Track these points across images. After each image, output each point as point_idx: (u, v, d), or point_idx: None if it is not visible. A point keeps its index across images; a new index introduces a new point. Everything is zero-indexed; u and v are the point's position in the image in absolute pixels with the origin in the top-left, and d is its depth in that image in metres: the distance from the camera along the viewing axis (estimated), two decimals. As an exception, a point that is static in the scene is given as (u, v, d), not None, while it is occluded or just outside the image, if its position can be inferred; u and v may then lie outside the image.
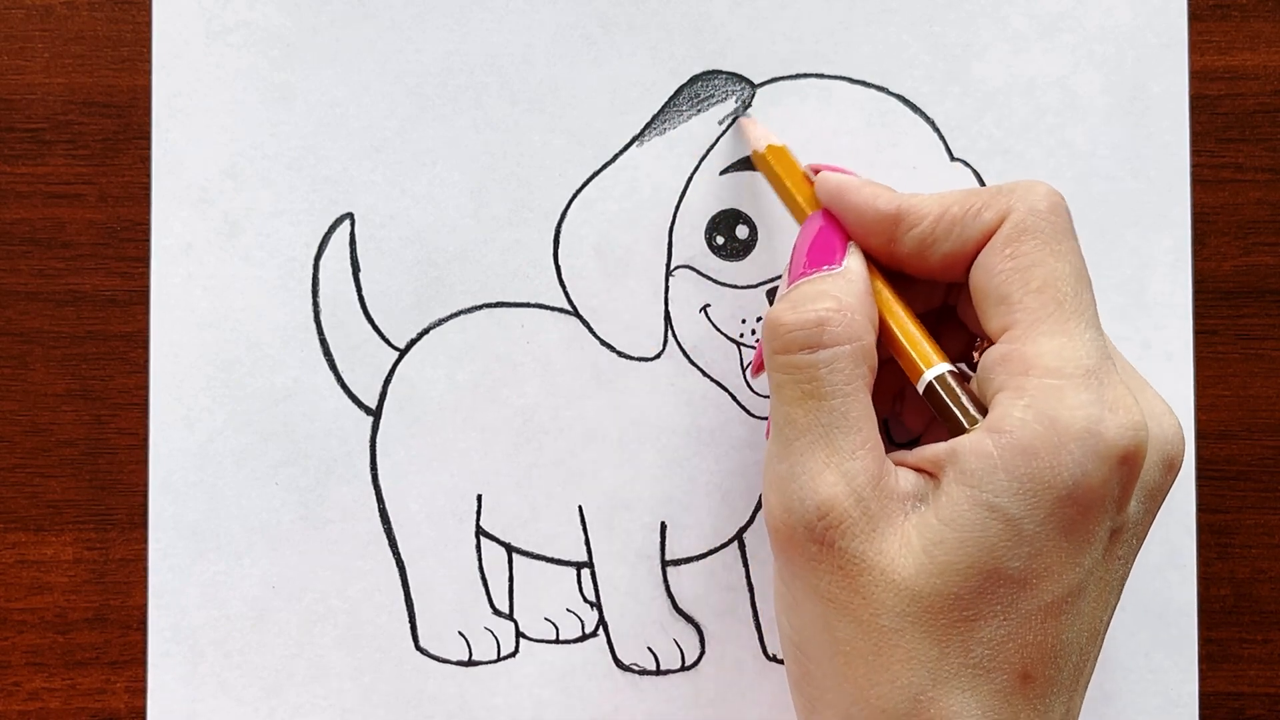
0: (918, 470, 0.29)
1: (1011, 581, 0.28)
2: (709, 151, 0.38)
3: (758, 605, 0.38)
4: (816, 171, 0.34)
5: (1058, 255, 0.29)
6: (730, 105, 0.38)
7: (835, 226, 0.32)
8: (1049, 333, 0.29)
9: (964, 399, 0.30)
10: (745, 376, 0.38)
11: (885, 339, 0.31)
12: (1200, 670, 0.38)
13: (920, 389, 0.31)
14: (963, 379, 0.30)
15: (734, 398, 0.38)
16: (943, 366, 0.30)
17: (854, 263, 0.32)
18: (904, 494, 0.29)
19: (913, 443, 0.35)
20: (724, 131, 0.38)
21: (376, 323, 0.38)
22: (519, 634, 0.38)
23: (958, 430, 0.29)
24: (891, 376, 0.33)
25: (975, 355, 0.34)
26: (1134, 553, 0.30)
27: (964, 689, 0.28)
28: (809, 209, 0.33)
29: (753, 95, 0.38)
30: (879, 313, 0.31)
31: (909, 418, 0.36)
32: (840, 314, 0.30)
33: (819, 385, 0.29)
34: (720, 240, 0.38)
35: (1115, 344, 0.38)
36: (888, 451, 0.30)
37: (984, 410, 0.29)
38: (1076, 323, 0.29)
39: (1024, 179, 0.31)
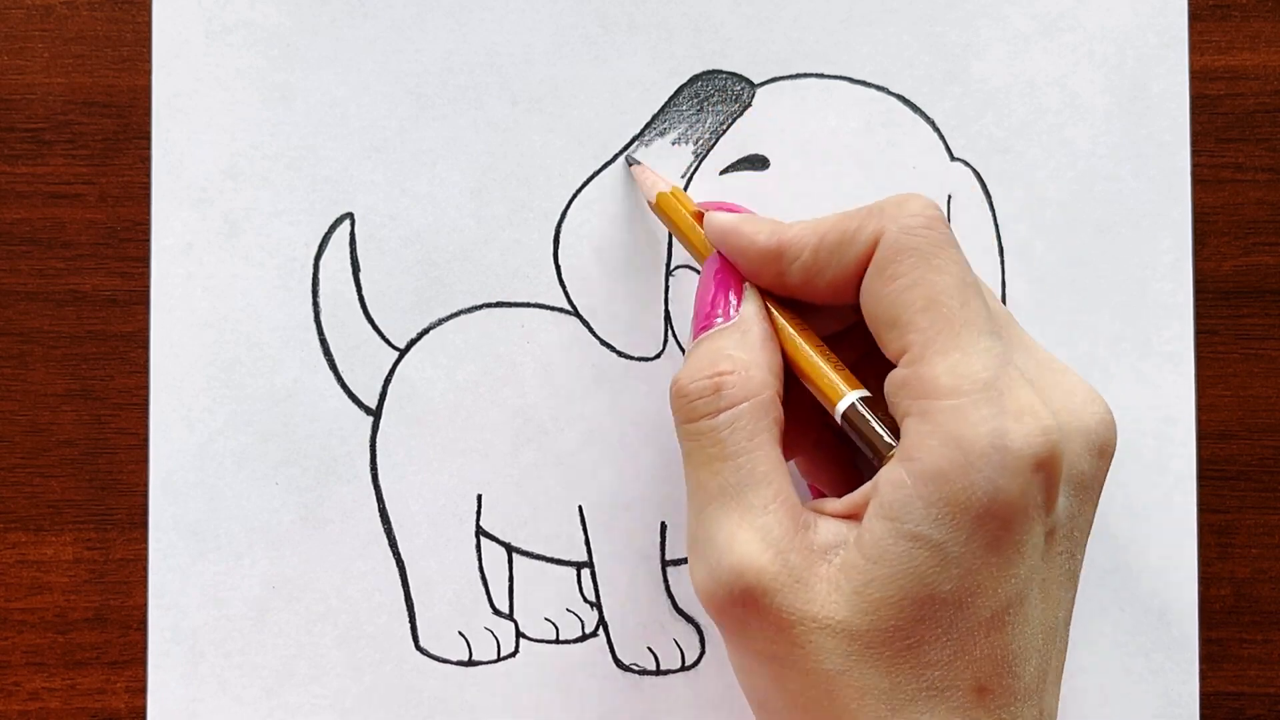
0: (845, 516, 0.29)
1: (946, 604, 0.28)
2: (709, 151, 0.38)
3: (758, 605, 0.38)
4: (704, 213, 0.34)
5: (937, 269, 0.29)
6: (730, 105, 0.38)
7: (729, 270, 0.33)
8: (942, 350, 0.28)
9: (876, 426, 0.30)
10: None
11: (797, 375, 0.31)
12: (1200, 670, 0.38)
13: (838, 420, 0.30)
14: (875, 404, 0.30)
15: (734, 398, 0.38)
16: (852, 396, 0.30)
17: (749, 309, 0.32)
18: (825, 545, 0.29)
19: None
20: (724, 131, 0.38)
21: (376, 323, 0.38)
22: (519, 634, 0.38)
23: (879, 455, 0.29)
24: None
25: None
26: (1079, 544, 0.30)
27: (923, 712, 0.28)
28: (705, 252, 0.34)
29: (753, 95, 0.38)
30: (785, 351, 0.31)
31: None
32: (735, 374, 0.30)
33: (723, 447, 0.30)
34: (720, 240, 0.38)
35: (1115, 344, 0.38)
36: (811, 502, 0.30)
37: (899, 435, 0.29)
38: (968, 335, 0.28)
39: (898, 193, 0.31)
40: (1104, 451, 0.30)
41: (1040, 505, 0.28)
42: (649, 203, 0.36)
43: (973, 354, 0.28)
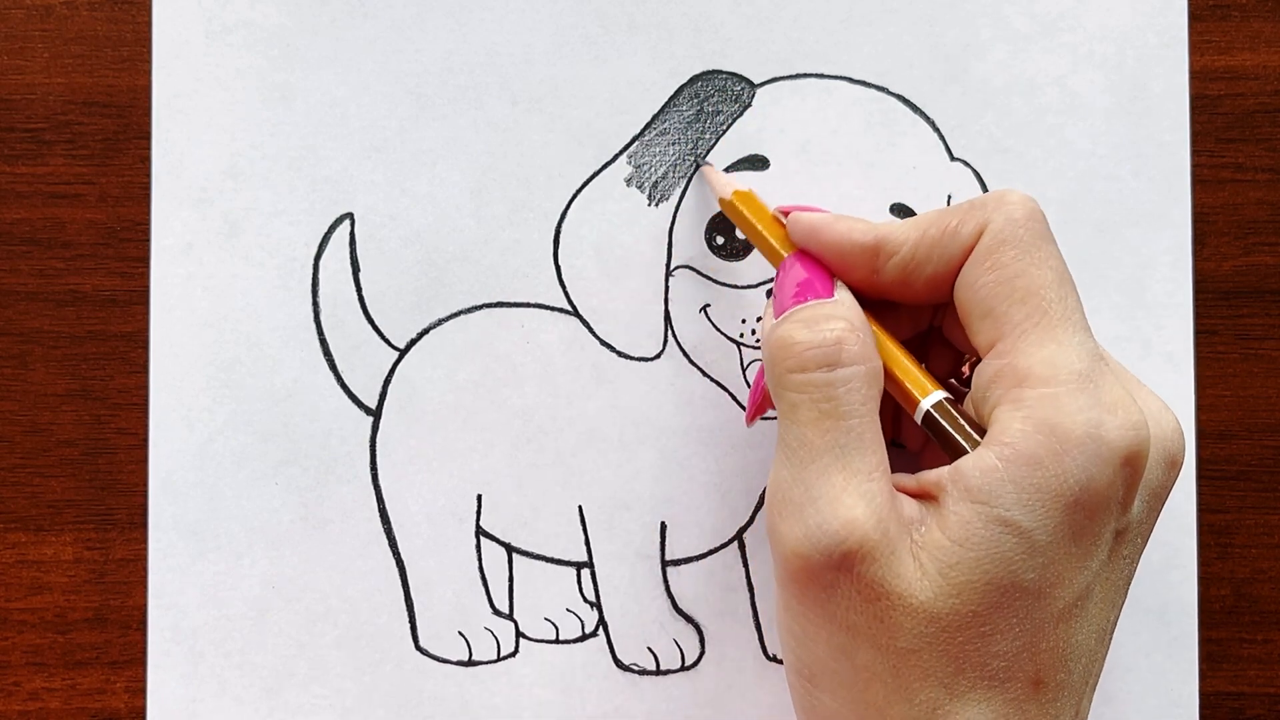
0: (917, 495, 0.29)
1: (1027, 593, 0.28)
2: (709, 152, 0.38)
3: (758, 605, 0.38)
4: (786, 213, 0.33)
5: (1038, 262, 0.29)
6: (730, 105, 0.38)
7: (815, 265, 0.32)
8: (1038, 341, 0.29)
9: (962, 423, 0.30)
10: (745, 377, 0.38)
11: None
12: (1200, 670, 0.38)
13: (918, 418, 0.30)
14: (957, 402, 0.30)
15: (734, 398, 0.38)
16: (937, 394, 0.30)
17: (844, 295, 0.31)
18: (909, 518, 0.29)
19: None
20: (724, 131, 0.38)
21: (376, 323, 0.38)
22: (519, 634, 0.38)
23: (960, 454, 0.29)
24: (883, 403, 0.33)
25: (964, 370, 0.34)
26: (1139, 552, 0.30)
27: (979, 700, 0.28)
28: (784, 251, 0.33)
29: (753, 95, 0.38)
30: None
31: (906, 440, 0.36)
32: (854, 334, 0.30)
33: (837, 404, 0.29)
34: (720, 240, 0.38)
35: (1115, 344, 0.38)
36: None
37: (982, 431, 0.29)
38: (1064, 328, 0.29)
39: (1000, 188, 0.31)
40: (1174, 463, 0.30)
41: (1120, 502, 0.28)
42: (721, 200, 0.36)
43: (1069, 346, 0.28)
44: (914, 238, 0.31)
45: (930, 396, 0.30)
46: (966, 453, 0.29)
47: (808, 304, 0.31)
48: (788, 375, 0.30)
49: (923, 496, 0.29)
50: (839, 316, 0.30)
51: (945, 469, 0.29)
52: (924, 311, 0.34)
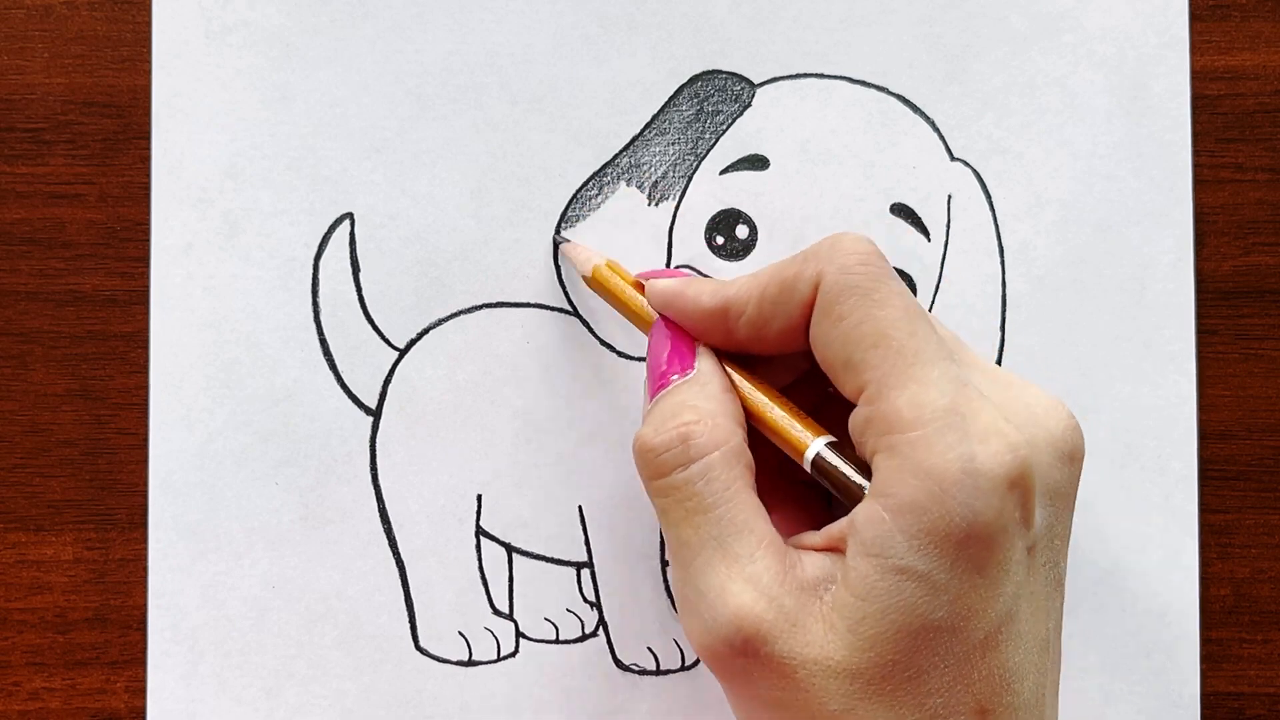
0: (827, 549, 0.29)
1: (941, 631, 0.27)
2: (709, 151, 0.38)
3: (758, 605, 0.38)
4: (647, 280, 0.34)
5: (881, 304, 0.29)
6: (730, 105, 0.38)
7: (678, 331, 0.33)
8: (898, 384, 0.28)
9: (846, 469, 0.29)
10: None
11: (759, 428, 0.31)
12: (1200, 670, 0.38)
13: (807, 468, 0.30)
14: (841, 447, 0.30)
15: (734, 398, 0.38)
16: (819, 443, 0.30)
17: (705, 364, 0.32)
18: (814, 581, 0.29)
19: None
20: (724, 131, 0.38)
21: (376, 323, 0.38)
22: (519, 634, 0.38)
23: (852, 497, 0.29)
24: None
25: None
26: (1061, 553, 0.30)
27: None
28: (648, 320, 0.34)
29: (753, 95, 0.38)
30: (745, 406, 0.31)
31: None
32: (701, 423, 0.30)
33: (700, 499, 0.29)
34: (720, 240, 0.38)
35: (1115, 344, 0.38)
36: (791, 537, 0.30)
37: (869, 472, 0.29)
38: (921, 364, 0.28)
39: (831, 233, 0.30)
40: (1073, 457, 0.30)
41: (1019, 522, 0.28)
42: (584, 278, 0.36)
43: (929, 383, 0.28)
44: (756, 297, 0.31)
45: (811, 447, 0.30)
46: (858, 496, 0.29)
47: (659, 396, 0.32)
48: (649, 484, 0.31)
49: (832, 549, 0.29)
50: (688, 405, 0.31)
51: (844, 520, 0.29)
52: (796, 358, 0.33)
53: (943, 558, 0.27)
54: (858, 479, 0.29)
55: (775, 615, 0.28)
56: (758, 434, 0.31)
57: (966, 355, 0.31)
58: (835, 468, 0.30)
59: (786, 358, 0.33)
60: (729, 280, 0.32)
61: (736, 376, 0.32)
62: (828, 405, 0.32)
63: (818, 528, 0.30)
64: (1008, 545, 0.28)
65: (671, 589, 0.31)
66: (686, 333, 0.33)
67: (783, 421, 0.31)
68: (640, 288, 0.34)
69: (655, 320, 0.33)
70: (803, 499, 0.33)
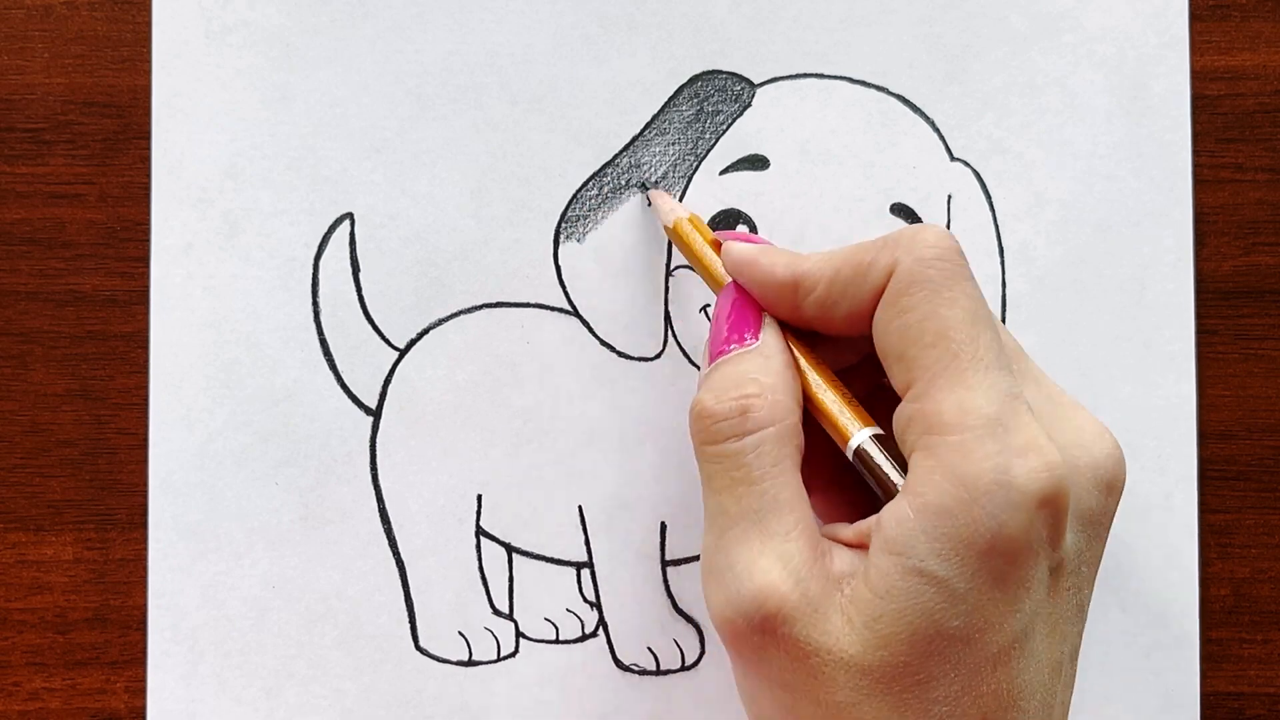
0: (855, 545, 0.29)
1: (955, 640, 0.27)
2: (709, 151, 0.38)
3: (758, 605, 0.38)
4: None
5: (948, 303, 0.29)
6: (730, 105, 0.38)
7: (747, 299, 0.32)
8: (948, 386, 0.28)
9: (886, 464, 0.29)
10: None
11: (809, 408, 0.31)
12: (1200, 670, 0.38)
13: (850, 457, 0.30)
14: (887, 440, 0.30)
15: (734, 398, 0.38)
16: (863, 434, 0.30)
17: (769, 337, 0.32)
18: (840, 574, 0.29)
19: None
20: (724, 131, 0.38)
21: (376, 323, 0.38)
22: (519, 634, 0.38)
23: (887, 493, 0.29)
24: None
25: None
26: (1088, 580, 0.30)
27: None
28: (722, 281, 0.33)
29: (753, 95, 0.38)
30: (801, 385, 0.31)
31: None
32: (761, 397, 0.30)
33: (748, 471, 0.29)
34: (720, 240, 0.38)
35: (1115, 344, 0.38)
36: (825, 527, 0.30)
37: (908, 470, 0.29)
38: (974, 371, 0.28)
39: (915, 224, 0.30)
40: (1112, 487, 0.30)
41: (1045, 541, 0.28)
42: (665, 228, 0.36)
43: (979, 390, 0.28)
44: (828, 276, 0.31)
45: (855, 438, 0.30)
46: (893, 491, 0.29)
47: (721, 361, 0.31)
48: (701, 448, 0.30)
49: (862, 546, 0.29)
50: (750, 376, 0.30)
51: (874, 518, 0.29)
52: (860, 341, 0.33)
53: (964, 566, 0.27)
54: (895, 475, 0.29)
55: (799, 597, 0.28)
56: (810, 416, 0.31)
57: (1025, 366, 0.31)
58: (875, 461, 0.30)
59: (851, 340, 0.32)
60: (805, 255, 0.32)
61: (797, 353, 0.32)
62: (881, 395, 0.32)
63: (855, 519, 0.30)
64: (1031, 562, 0.28)
65: (701, 556, 0.30)
66: (755, 301, 0.32)
67: (833, 407, 0.31)
68: (718, 247, 0.34)
69: (726, 283, 0.33)
70: (846, 488, 0.33)
